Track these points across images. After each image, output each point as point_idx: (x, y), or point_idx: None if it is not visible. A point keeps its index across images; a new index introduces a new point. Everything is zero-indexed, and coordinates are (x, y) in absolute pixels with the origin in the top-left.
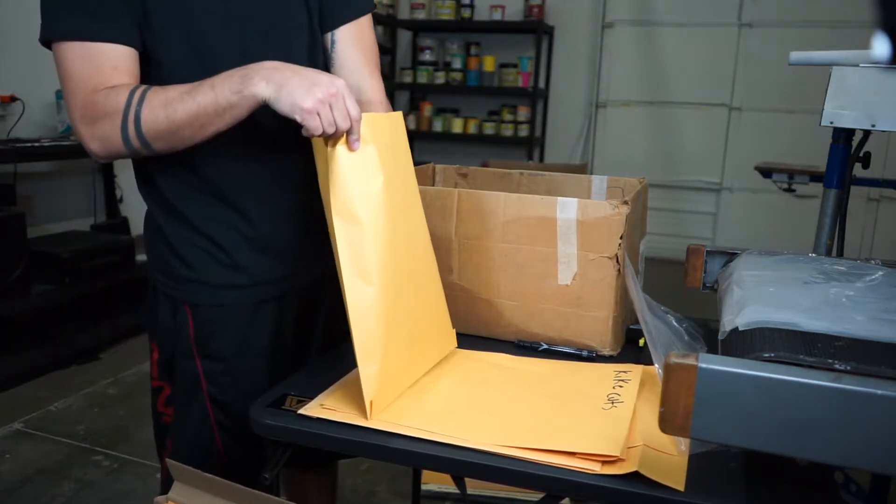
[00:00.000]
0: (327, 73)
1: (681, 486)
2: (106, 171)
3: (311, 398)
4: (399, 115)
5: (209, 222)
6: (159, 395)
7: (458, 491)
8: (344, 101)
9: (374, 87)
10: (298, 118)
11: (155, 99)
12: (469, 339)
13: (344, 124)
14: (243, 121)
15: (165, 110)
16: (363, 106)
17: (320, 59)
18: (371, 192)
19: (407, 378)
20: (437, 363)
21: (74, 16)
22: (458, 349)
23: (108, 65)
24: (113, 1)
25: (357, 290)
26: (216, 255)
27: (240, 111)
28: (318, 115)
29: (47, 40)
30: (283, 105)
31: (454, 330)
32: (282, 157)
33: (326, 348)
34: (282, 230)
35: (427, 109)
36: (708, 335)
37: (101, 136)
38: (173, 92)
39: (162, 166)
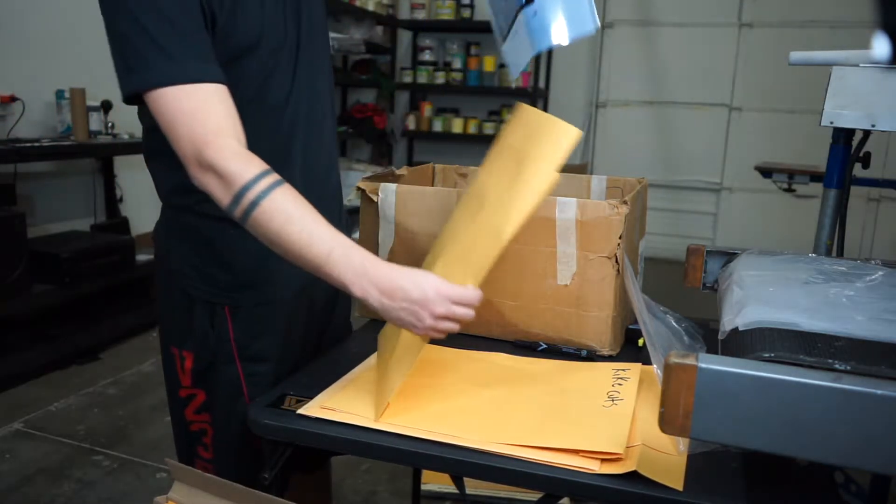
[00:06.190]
0: (424, 285)
1: (679, 486)
2: (106, 171)
3: (311, 398)
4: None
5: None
6: (189, 403)
7: (458, 491)
8: (456, 309)
9: None
10: None
11: (281, 203)
12: (469, 339)
13: (468, 320)
14: (277, 127)
15: (281, 226)
16: None
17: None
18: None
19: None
20: (437, 364)
21: (176, 60)
22: (457, 349)
23: (216, 102)
24: (203, 40)
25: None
26: (257, 256)
27: (328, 280)
28: (439, 330)
29: (147, 89)
30: (393, 322)
31: None
32: (313, 138)
33: (341, 339)
34: None
35: (427, 109)
36: (708, 335)
37: (210, 184)
38: (298, 213)
39: None
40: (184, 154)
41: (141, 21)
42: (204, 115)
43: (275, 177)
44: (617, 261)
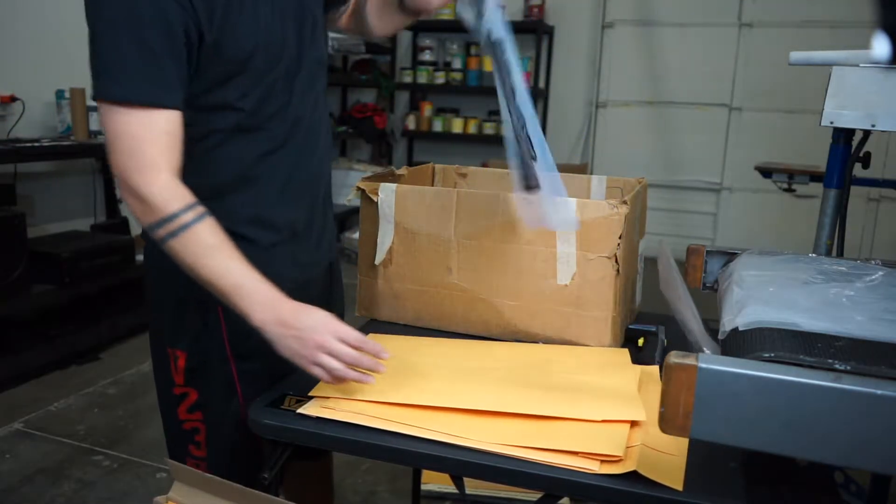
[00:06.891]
0: (315, 316)
1: (679, 486)
2: (106, 171)
3: (311, 398)
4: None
5: (245, 222)
6: (182, 401)
7: (458, 491)
8: (335, 343)
9: None
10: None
11: (201, 236)
12: (469, 339)
13: (350, 360)
14: (274, 136)
15: (199, 257)
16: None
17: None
18: None
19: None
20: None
21: (137, 80)
22: (456, 339)
23: (162, 131)
24: (170, 65)
25: None
26: (251, 252)
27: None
28: (320, 364)
29: (103, 99)
30: (283, 353)
31: None
32: (308, 149)
33: None
34: (301, 217)
35: (427, 109)
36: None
37: (132, 205)
38: (215, 243)
39: (232, 185)
40: (115, 169)
41: (119, 33)
42: (146, 144)
43: (198, 211)
44: (616, 261)
